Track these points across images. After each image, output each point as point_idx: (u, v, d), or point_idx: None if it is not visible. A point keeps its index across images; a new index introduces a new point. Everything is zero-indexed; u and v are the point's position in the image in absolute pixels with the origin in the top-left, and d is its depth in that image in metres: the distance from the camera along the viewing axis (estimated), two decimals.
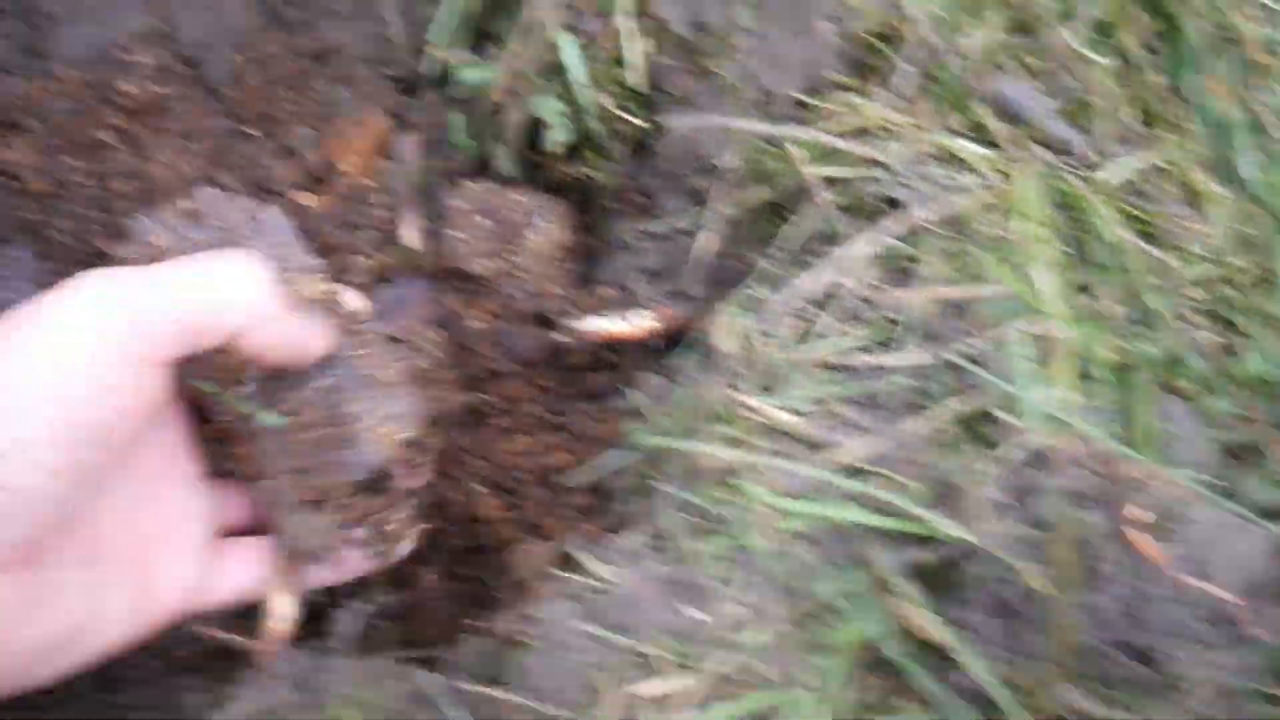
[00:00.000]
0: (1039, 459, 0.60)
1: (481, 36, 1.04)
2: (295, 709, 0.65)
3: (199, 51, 1.12)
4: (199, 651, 0.83)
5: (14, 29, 1.05)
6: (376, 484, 0.72)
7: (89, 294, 0.54)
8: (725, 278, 0.91)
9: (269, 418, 0.66)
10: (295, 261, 0.68)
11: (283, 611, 0.74)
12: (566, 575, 0.69)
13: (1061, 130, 0.76)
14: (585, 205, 1.06)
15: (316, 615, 0.80)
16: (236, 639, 0.75)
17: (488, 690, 0.65)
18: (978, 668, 0.58)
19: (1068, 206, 0.74)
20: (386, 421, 0.70)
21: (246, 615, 0.81)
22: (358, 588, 0.87)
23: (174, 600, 0.67)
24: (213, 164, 1.07)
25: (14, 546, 0.51)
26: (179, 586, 0.68)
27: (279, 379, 0.67)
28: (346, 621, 0.77)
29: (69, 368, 0.51)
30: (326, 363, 0.68)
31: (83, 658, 0.60)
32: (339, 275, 1.04)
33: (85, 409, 0.52)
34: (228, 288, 0.59)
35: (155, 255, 0.67)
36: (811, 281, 0.71)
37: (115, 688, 0.80)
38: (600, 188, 1.02)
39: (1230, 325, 0.74)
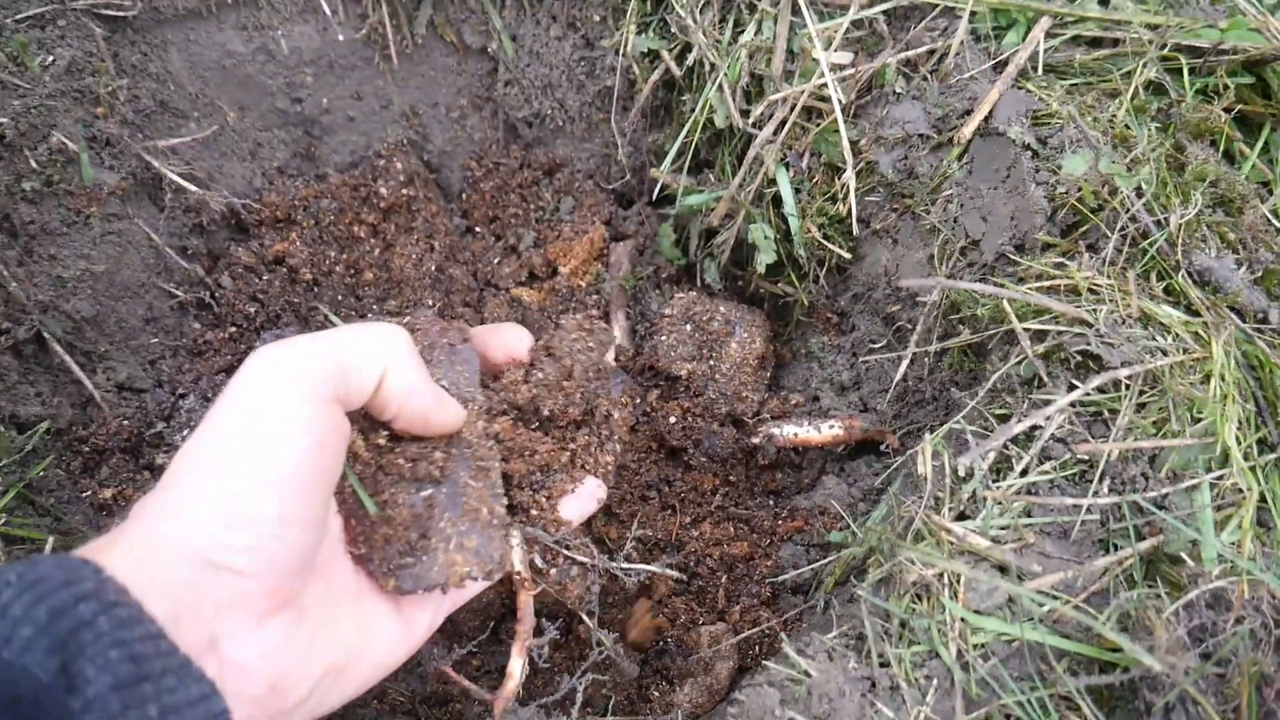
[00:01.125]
0: (1218, 600, 0.66)
1: (700, 164, 1.15)
2: None
3: (443, 160, 1.27)
4: (412, 698, 0.94)
5: (294, 137, 1.20)
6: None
7: (266, 360, 0.62)
8: (913, 399, 0.99)
9: (369, 503, 0.69)
10: (466, 385, 0.75)
11: (517, 669, 0.83)
12: (772, 665, 0.76)
13: (1257, 299, 0.82)
14: (780, 317, 1.16)
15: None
16: (474, 687, 0.85)
17: None
18: None
19: (1258, 370, 0.80)
20: (462, 551, 0.70)
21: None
22: (569, 659, 0.97)
23: (425, 625, 0.74)
24: (447, 259, 1.21)
25: (274, 590, 0.60)
26: (429, 611, 0.75)
27: (397, 471, 0.71)
28: (565, 687, 0.86)
29: (273, 423, 0.60)
30: (440, 476, 0.71)
31: (362, 682, 0.70)
32: None
33: (297, 453, 0.60)
34: (374, 341, 0.67)
35: None
36: (1019, 425, 0.78)
37: None
38: (798, 304, 1.11)
39: None
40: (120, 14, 1.03)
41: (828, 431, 1.02)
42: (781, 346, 1.15)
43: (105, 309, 1.02)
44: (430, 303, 1.17)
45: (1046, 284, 0.81)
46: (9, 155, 0.92)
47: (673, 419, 1.08)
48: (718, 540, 1.04)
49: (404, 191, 1.20)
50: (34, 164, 0.93)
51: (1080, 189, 0.82)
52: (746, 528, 1.06)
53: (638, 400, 1.11)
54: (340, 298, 1.15)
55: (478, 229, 1.26)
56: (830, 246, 1.04)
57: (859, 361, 1.06)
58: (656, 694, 0.97)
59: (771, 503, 1.08)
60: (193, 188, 1.07)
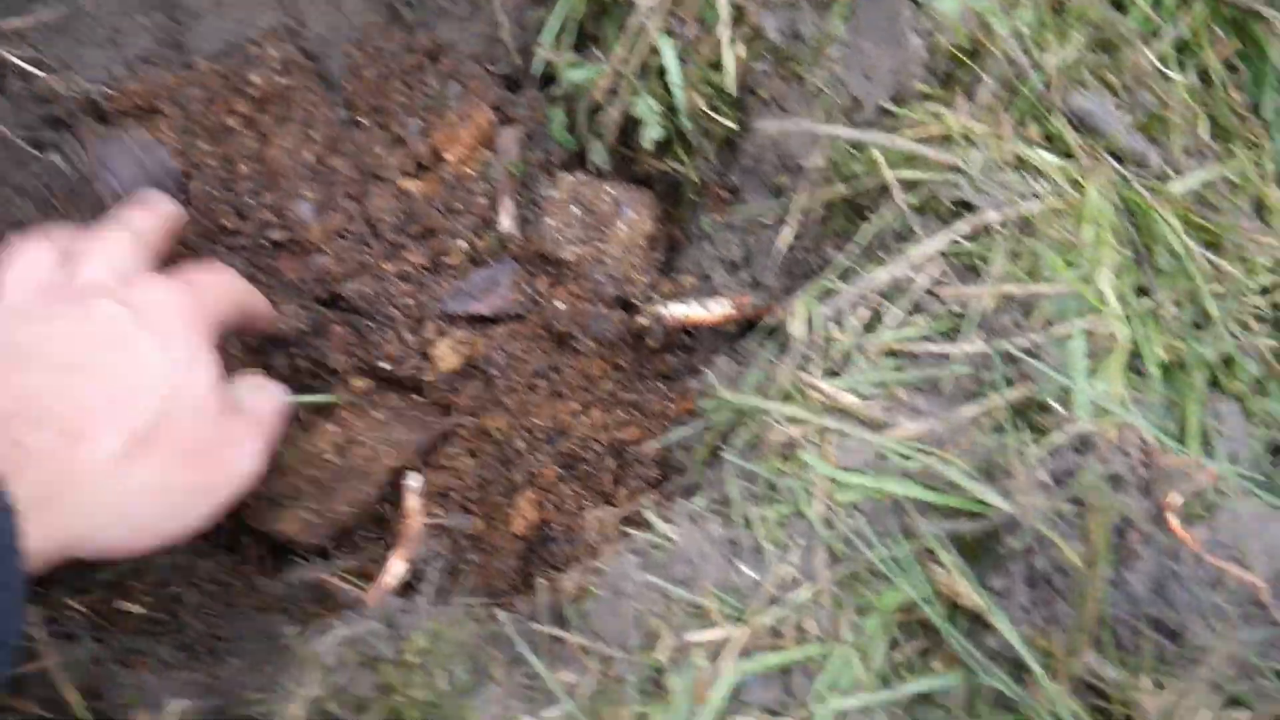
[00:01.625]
0: (1084, 444, 0.63)
1: (585, 39, 1.10)
2: (381, 639, 0.70)
3: (321, 47, 1.21)
4: (294, 596, 0.90)
5: (157, 23, 1.14)
6: None
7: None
8: (801, 270, 0.95)
9: None
10: None
11: (397, 571, 0.84)
12: (633, 532, 0.74)
13: (1136, 143, 0.79)
14: (671, 196, 1.12)
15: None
16: (350, 586, 0.83)
17: (556, 631, 0.71)
18: (1010, 633, 0.61)
19: (1136, 215, 0.77)
20: None
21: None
22: (445, 547, 0.94)
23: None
24: (328, 150, 1.15)
25: None
26: None
27: None
28: (432, 574, 0.84)
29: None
30: None
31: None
32: (438, 257, 1.11)
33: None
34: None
35: None
36: (883, 274, 0.75)
37: (219, 622, 0.88)
38: (687, 181, 1.07)
39: None
40: None
41: (717, 309, 0.99)
42: (674, 227, 1.11)
43: None
44: (309, 195, 1.11)
45: (920, 133, 0.77)
46: None
47: (560, 304, 1.04)
48: (607, 426, 1.01)
49: (279, 80, 1.14)
50: None
51: (956, 33, 0.78)
52: (638, 412, 1.03)
53: (526, 289, 1.07)
54: (215, 192, 1.09)
55: (362, 119, 1.20)
56: (717, 118, 0.99)
57: (749, 237, 1.02)
58: (544, 581, 0.94)
59: (663, 386, 1.04)
60: (39, 73, 1.00)
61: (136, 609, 0.86)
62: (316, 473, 0.96)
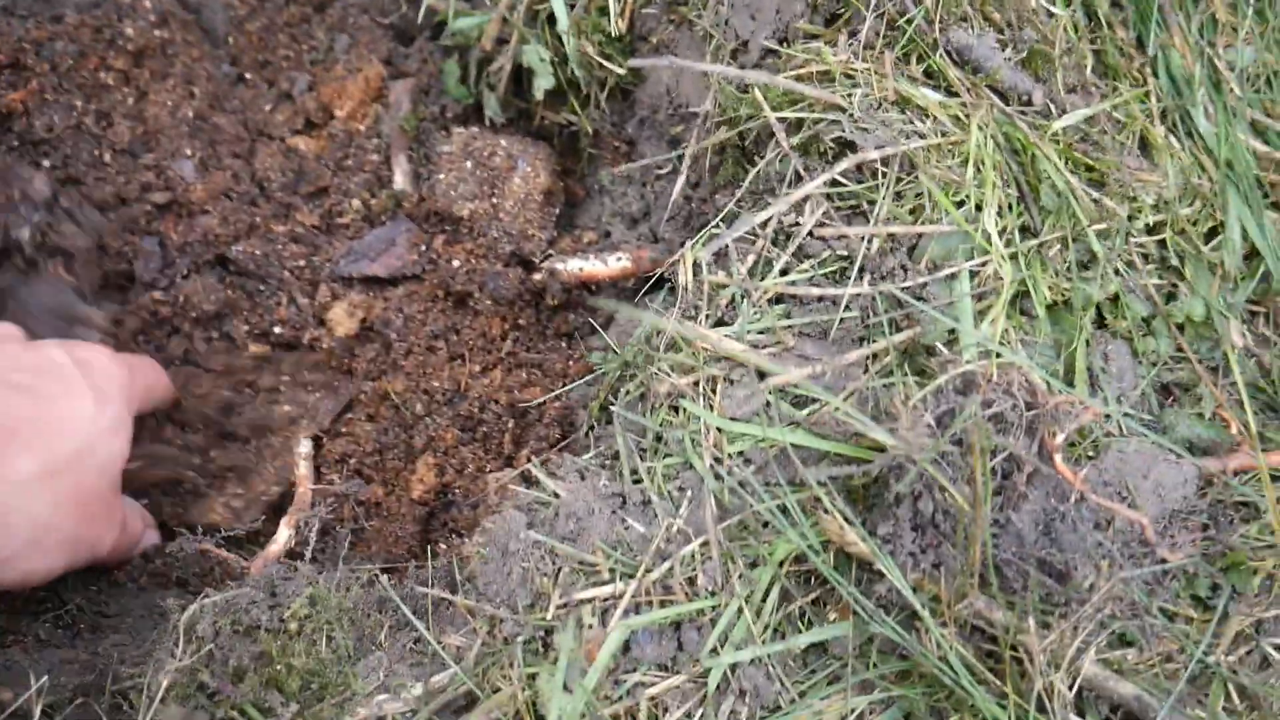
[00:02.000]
0: (968, 385, 0.63)
1: None
2: (259, 607, 0.68)
3: None
4: (180, 569, 0.87)
5: None
6: None
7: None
8: (698, 222, 0.93)
9: None
10: None
11: (282, 537, 0.83)
12: (520, 490, 0.72)
13: (1019, 80, 0.78)
14: (569, 151, 1.09)
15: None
16: (233, 556, 0.80)
17: (443, 594, 0.69)
18: (898, 579, 0.61)
19: (1020, 153, 0.76)
20: None
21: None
22: (339, 513, 0.92)
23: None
24: (210, 107, 1.11)
25: None
26: None
27: None
28: (315, 539, 0.82)
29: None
30: None
31: None
32: (331, 217, 1.08)
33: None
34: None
35: None
36: (765, 217, 0.73)
37: (104, 599, 0.84)
38: (583, 134, 1.04)
39: (1173, 271, 0.76)
40: None
41: (615, 264, 0.97)
42: (574, 183, 1.09)
43: None
44: (190, 153, 1.06)
45: (801, 71, 0.75)
46: None
47: (456, 263, 1.01)
48: (507, 387, 0.99)
49: (156, 33, 1.09)
50: None
51: None
52: (539, 372, 1.01)
53: (423, 248, 1.04)
54: (92, 153, 1.04)
55: (248, 75, 1.15)
56: (609, 66, 0.97)
57: (648, 191, 1.00)
58: (445, 547, 0.92)
59: (564, 345, 1.02)
60: None
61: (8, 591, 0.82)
62: (233, 457, 0.94)
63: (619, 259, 0.97)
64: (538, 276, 0.98)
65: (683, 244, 0.95)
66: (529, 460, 0.93)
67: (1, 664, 0.71)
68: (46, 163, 1.01)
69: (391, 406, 0.99)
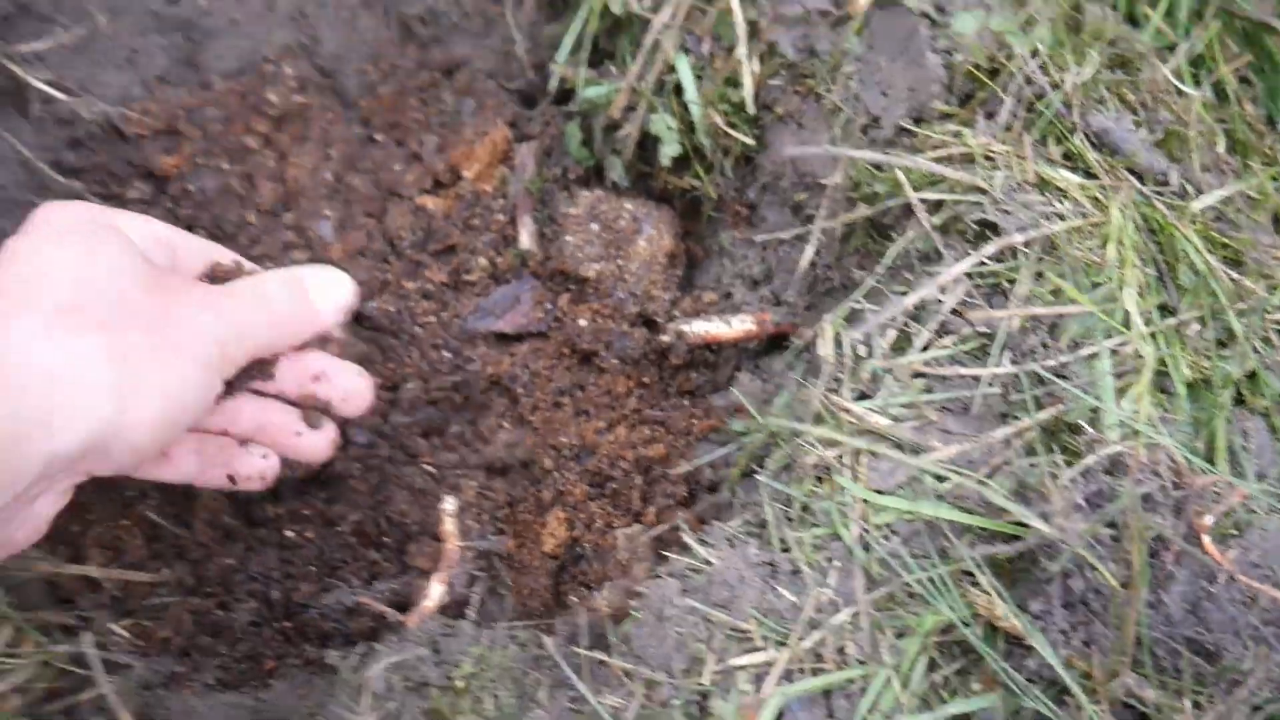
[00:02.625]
0: (1116, 466, 0.65)
1: (601, 56, 1.10)
2: (427, 664, 0.72)
3: (336, 64, 1.21)
4: (335, 621, 0.92)
5: (173, 43, 1.14)
6: None
7: None
8: (823, 286, 0.96)
9: None
10: None
11: (436, 594, 0.85)
12: (672, 556, 0.75)
13: (1155, 161, 0.80)
14: (689, 213, 1.13)
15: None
16: (389, 610, 0.84)
17: (598, 655, 0.72)
18: (1049, 654, 0.63)
19: (1158, 233, 0.78)
20: None
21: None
22: (481, 569, 0.96)
23: None
24: (346, 168, 1.16)
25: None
26: None
27: None
28: (475, 598, 0.86)
29: None
30: None
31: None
32: (458, 274, 1.12)
33: None
34: None
35: None
36: (911, 297, 0.76)
37: (261, 650, 0.89)
38: (706, 198, 1.08)
39: None
40: None
41: (739, 326, 1.00)
42: (693, 244, 1.12)
43: None
44: (329, 214, 1.12)
45: (942, 153, 0.78)
46: None
47: (583, 322, 1.05)
48: (633, 444, 1.02)
49: (296, 99, 1.15)
50: None
51: (975, 53, 0.79)
52: (662, 429, 1.04)
53: (548, 306, 1.08)
54: (239, 214, 1.10)
55: (378, 136, 1.20)
56: (735, 135, 1.00)
57: (769, 254, 1.04)
58: (575, 600, 0.95)
59: (687, 403, 1.05)
60: (61, 95, 1.01)
61: (176, 636, 0.87)
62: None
63: (743, 321, 1.00)
64: (664, 338, 1.01)
65: (806, 308, 0.99)
66: (658, 516, 0.97)
67: (181, 709, 0.76)
68: (200, 227, 1.07)
69: (520, 461, 1.03)
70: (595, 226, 1.07)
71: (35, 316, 0.62)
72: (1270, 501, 0.68)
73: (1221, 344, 0.76)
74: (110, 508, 0.88)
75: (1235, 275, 0.77)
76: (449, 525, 0.92)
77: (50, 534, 0.81)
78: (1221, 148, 0.83)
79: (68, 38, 1.05)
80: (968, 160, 0.79)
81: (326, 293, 0.82)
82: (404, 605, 0.89)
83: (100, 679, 0.70)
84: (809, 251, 0.91)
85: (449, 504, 0.94)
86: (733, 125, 1.01)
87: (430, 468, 1.02)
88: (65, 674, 0.74)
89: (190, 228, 1.07)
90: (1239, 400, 0.75)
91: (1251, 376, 0.75)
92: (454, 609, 0.87)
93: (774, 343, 1.03)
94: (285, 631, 0.91)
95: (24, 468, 0.60)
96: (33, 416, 0.59)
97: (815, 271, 0.97)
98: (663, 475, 0.99)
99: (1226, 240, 0.78)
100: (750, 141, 1.00)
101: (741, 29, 0.94)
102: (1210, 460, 0.71)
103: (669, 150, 1.03)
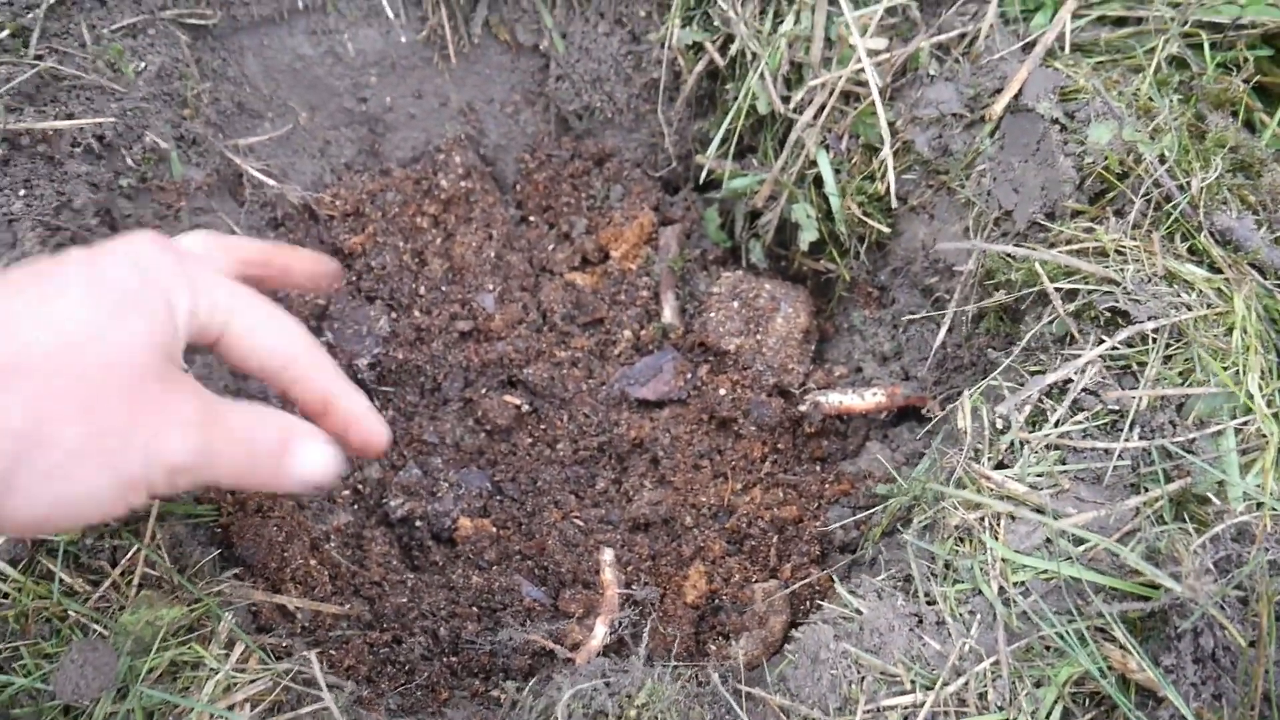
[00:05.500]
0: (1243, 534, 0.71)
1: (744, 149, 1.21)
2: (604, 695, 0.80)
3: (498, 153, 1.34)
4: (506, 657, 1.00)
5: (359, 135, 1.28)
6: None
7: None
8: (951, 364, 1.04)
9: None
10: None
11: (600, 633, 0.94)
12: (825, 605, 0.82)
13: (1277, 257, 0.87)
14: (821, 291, 1.22)
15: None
16: (558, 647, 0.93)
17: (758, 691, 0.79)
18: (1182, 707, 0.69)
19: (1279, 323, 0.85)
20: None
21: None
22: (635, 613, 1.04)
23: None
24: (505, 246, 1.28)
25: None
26: None
27: None
28: (638, 637, 0.94)
29: None
30: None
31: None
32: (605, 345, 1.23)
33: None
34: None
35: None
36: (1051, 375, 0.83)
37: (433, 681, 0.98)
38: (840, 280, 1.17)
39: None
40: (202, 22, 1.11)
41: (871, 398, 1.08)
42: (825, 321, 1.21)
43: None
44: (490, 288, 1.24)
45: (1076, 247, 0.86)
46: (108, 155, 0.99)
47: (722, 391, 1.14)
48: (768, 505, 1.10)
49: (462, 184, 1.27)
50: (130, 162, 1.01)
51: (1106, 157, 0.87)
52: (795, 492, 1.12)
53: (688, 375, 1.18)
54: (409, 286, 1.22)
55: (532, 218, 1.32)
56: (870, 223, 1.09)
57: (899, 332, 1.12)
58: (714, 648, 1.03)
59: (818, 468, 1.13)
60: (271, 182, 1.15)
61: (360, 664, 0.97)
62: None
63: (875, 394, 1.08)
64: (802, 408, 1.09)
65: (935, 383, 1.06)
66: (793, 573, 1.04)
67: None
68: (378, 299, 1.19)
69: (663, 518, 1.12)
70: (736, 304, 1.17)
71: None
72: None
73: None
74: (300, 546, 0.98)
75: None
76: (608, 574, 1.00)
77: (254, 568, 0.93)
78: None
79: (275, 132, 1.19)
80: (1100, 254, 0.86)
81: (309, 462, 0.70)
82: (562, 645, 0.98)
83: (325, 693, 0.80)
84: (942, 332, 0.99)
85: (608, 554, 1.02)
86: (868, 214, 1.10)
87: (579, 521, 1.12)
88: (286, 690, 0.84)
89: (371, 299, 1.20)
90: None
91: None
92: (612, 649, 0.95)
93: (901, 415, 1.11)
94: (453, 666, 1.00)
95: None
96: None
97: (945, 350, 1.04)
98: (797, 534, 1.07)
99: None
100: (885, 229, 1.09)
101: (885, 129, 1.03)
102: None
103: (808, 236, 1.12)
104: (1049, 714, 0.75)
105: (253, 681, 0.79)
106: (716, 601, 1.07)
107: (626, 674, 0.82)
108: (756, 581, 1.06)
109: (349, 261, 1.21)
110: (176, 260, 0.66)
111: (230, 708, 0.77)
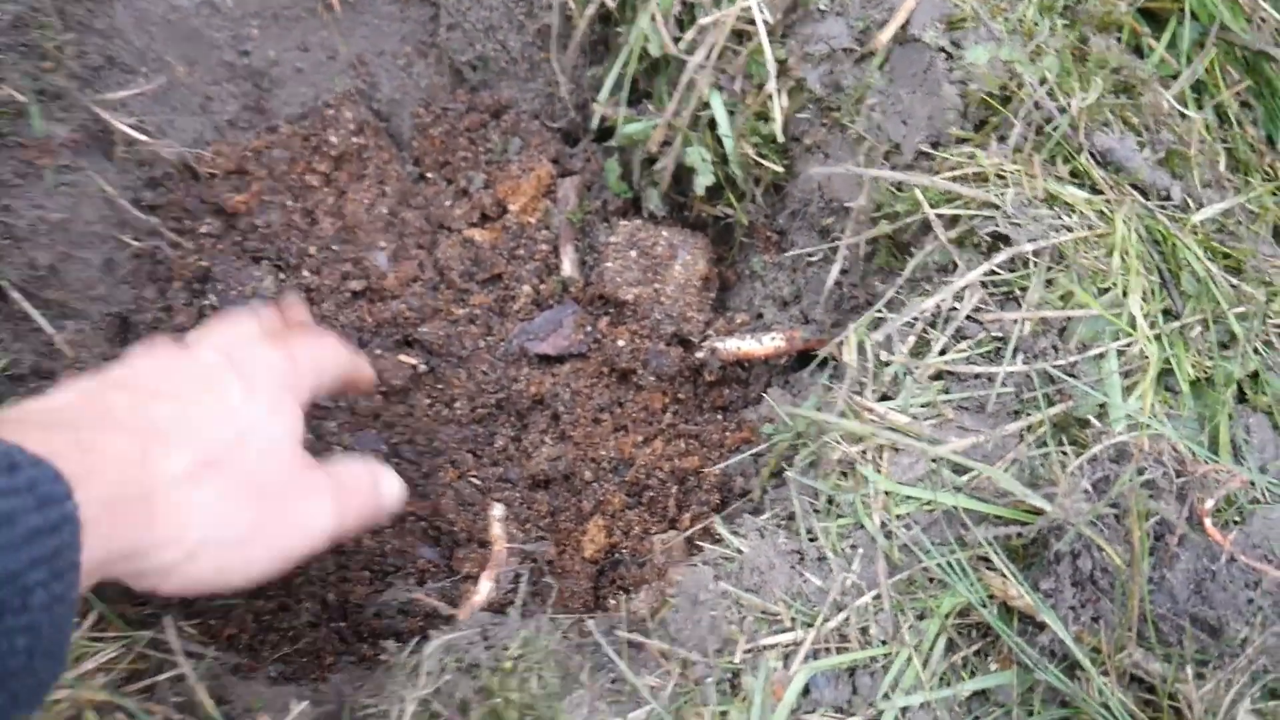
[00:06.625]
0: (1121, 455, 0.69)
1: (639, 94, 1.18)
2: (478, 648, 0.77)
3: (391, 108, 1.30)
4: (391, 618, 0.97)
5: (243, 90, 1.23)
6: None
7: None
8: (848, 304, 1.02)
9: None
10: None
11: (485, 589, 0.92)
12: (705, 546, 0.80)
13: (1158, 177, 0.86)
14: (722, 239, 1.19)
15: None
16: (441, 604, 0.90)
17: (637, 638, 0.77)
18: (1060, 630, 0.67)
19: (1161, 244, 0.83)
20: None
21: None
22: (525, 569, 1.01)
23: None
24: (400, 203, 1.24)
25: None
26: None
27: None
28: (518, 591, 0.91)
29: None
30: None
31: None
32: (504, 301, 1.19)
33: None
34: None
35: None
36: (928, 303, 0.81)
37: (319, 646, 0.94)
38: (738, 225, 1.14)
39: None
40: None
41: (769, 343, 1.05)
42: (727, 268, 1.19)
43: (62, 259, 1.05)
44: (384, 246, 1.20)
45: (957, 173, 0.84)
46: None
47: (621, 342, 1.11)
48: (669, 456, 1.08)
49: (354, 140, 1.23)
50: None
51: (988, 82, 0.85)
52: (696, 442, 1.09)
53: (588, 329, 1.15)
54: (297, 245, 1.18)
55: (430, 174, 1.28)
56: (766, 164, 1.07)
57: (798, 275, 1.09)
58: (614, 602, 1.00)
59: (720, 417, 1.11)
60: (144, 138, 1.10)
61: (241, 634, 0.93)
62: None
63: (773, 338, 1.06)
64: (699, 355, 1.07)
65: (833, 325, 1.04)
66: (693, 523, 1.02)
67: (247, 693, 0.82)
68: (265, 259, 1.15)
69: (562, 474, 1.09)
70: (634, 253, 1.14)
71: (182, 458, 0.67)
72: (1272, 490, 0.72)
73: (1223, 346, 0.80)
74: None
75: (1235, 282, 0.82)
76: (496, 529, 0.98)
77: None
78: (1222, 165, 0.88)
79: (149, 86, 1.14)
80: (981, 180, 0.84)
81: (393, 490, 0.85)
82: (454, 605, 0.95)
83: (181, 659, 0.76)
84: (835, 270, 0.97)
85: (497, 510, 0.99)
86: (763, 156, 1.07)
87: (476, 480, 1.09)
88: (143, 658, 0.80)
89: (257, 259, 1.15)
90: (1241, 398, 0.79)
91: (1254, 377, 0.80)
92: (501, 606, 0.93)
93: (803, 360, 1.09)
94: (341, 631, 0.96)
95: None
96: (141, 548, 0.64)
97: (841, 290, 1.02)
98: (697, 485, 1.04)
99: (1227, 250, 0.83)
100: (780, 170, 1.06)
101: (772, 66, 1.00)
102: (1215, 452, 0.75)
103: (704, 180, 1.09)
104: (932, 646, 0.73)
105: (101, 651, 0.75)
106: (616, 555, 1.05)
107: (504, 627, 0.79)
108: (656, 533, 1.03)
109: (232, 221, 1.16)
110: (292, 367, 0.80)
111: (79, 677, 0.73)
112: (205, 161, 1.16)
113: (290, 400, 0.78)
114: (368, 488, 0.82)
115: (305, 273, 1.16)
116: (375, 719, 0.74)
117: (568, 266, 1.19)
